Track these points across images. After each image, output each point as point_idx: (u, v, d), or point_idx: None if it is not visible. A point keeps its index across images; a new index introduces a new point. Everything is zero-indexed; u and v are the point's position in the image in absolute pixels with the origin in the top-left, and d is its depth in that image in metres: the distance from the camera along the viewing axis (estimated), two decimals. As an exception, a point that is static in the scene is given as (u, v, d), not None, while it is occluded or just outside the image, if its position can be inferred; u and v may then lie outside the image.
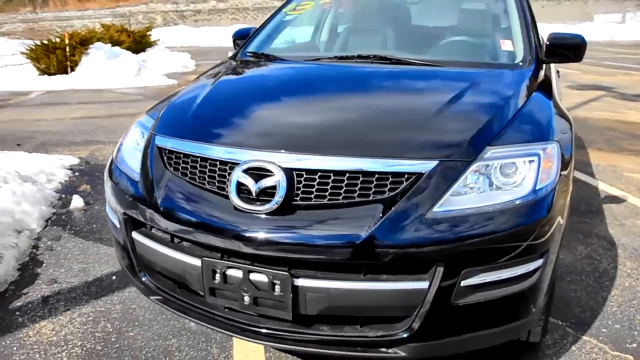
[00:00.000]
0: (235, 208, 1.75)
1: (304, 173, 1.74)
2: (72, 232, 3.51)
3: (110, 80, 10.75)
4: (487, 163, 1.79)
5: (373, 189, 1.71)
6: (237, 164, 1.79)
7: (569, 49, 2.72)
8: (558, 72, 4.23)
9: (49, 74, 11.42)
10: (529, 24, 2.81)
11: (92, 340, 2.37)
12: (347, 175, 1.72)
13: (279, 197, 1.70)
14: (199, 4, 31.58)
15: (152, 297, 2.07)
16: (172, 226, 1.86)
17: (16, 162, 4.47)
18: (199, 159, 1.91)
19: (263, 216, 1.71)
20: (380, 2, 3.42)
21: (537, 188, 1.78)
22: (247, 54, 3.03)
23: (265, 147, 1.82)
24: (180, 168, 1.95)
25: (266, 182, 1.73)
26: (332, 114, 2.11)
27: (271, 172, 1.73)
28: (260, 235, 1.69)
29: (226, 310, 1.86)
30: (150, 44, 16.15)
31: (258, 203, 1.72)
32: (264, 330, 1.80)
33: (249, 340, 1.86)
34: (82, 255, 3.19)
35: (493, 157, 1.80)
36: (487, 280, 1.70)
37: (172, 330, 2.45)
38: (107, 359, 2.25)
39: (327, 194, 1.72)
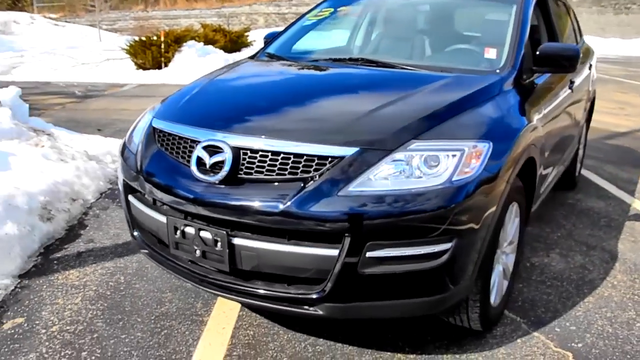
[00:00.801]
0: (194, 177, 2.14)
1: (248, 152, 2.10)
2: (119, 205, 4.09)
3: (198, 76, 11.61)
4: (409, 153, 2.04)
5: (301, 168, 2.03)
6: (199, 141, 2.20)
7: (560, 59, 2.86)
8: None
9: (144, 69, 12.54)
10: (524, 34, 2.95)
11: (104, 287, 2.87)
12: (282, 155, 2.06)
13: (225, 170, 2.08)
14: (300, 7, 32.58)
15: (142, 251, 2.52)
16: (149, 188, 2.29)
17: (89, 144, 5.18)
18: (177, 137, 2.33)
19: (213, 185, 2.09)
20: (387, 9, 3.70)
21: (453, 179, 2.01)
22: (265, 54, 3.42)
23: (221, 129, 2.21)
24: (164, 144, 2.39)
25: (217, 158, 2.11)
26: (284, 105, 2.47)
27: (222, 149, 2.12)
28: (209, 199, 2.08)
29: (189, 262, 2.26)
30: (246, 44, 17.08)
31: (211, 174, 2.11)
32: (213, 281, 2.18)
33: (205, 290, 2.25)
34: (121, 223, 3.74)
35: (417, 149, 2.06)
36: (392, 255, 1.95)
37: (171, 287, 2.90)
38: (112, 302, 2.74)
39: (264, 170, 2.07)
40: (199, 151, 2.17)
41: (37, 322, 2.54)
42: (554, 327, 2.66)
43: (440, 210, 1.97)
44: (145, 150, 2.42)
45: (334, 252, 1.96)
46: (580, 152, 4.81)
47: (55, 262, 3.15)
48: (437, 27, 3.39)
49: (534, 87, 2.91)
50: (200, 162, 2.16)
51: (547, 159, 3.06)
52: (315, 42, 3.45)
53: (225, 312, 2.68)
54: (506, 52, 2.86)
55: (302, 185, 1.99)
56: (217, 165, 2.12)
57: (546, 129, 2.97)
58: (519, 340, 2.54)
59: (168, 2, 34.42)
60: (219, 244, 2.09)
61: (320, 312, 2.05)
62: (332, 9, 3.60)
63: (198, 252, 2.16)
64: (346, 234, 1.94)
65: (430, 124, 2.18)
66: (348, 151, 2.03)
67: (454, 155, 2.06)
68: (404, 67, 2.85)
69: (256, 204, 2.01)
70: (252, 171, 2.09)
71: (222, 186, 2.08)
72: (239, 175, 2.09)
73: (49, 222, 3.47)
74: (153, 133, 2.48)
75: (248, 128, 2.21)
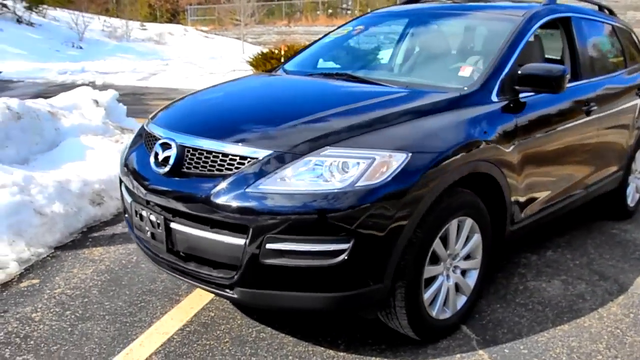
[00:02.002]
0: (151, 169, 2.51)
1: (190, 149, 2.42)
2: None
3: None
4: (322, 158, 2.22)
5: (225, 166, 2.31)
6: (159, 139, 2.56)
7: (543, 80, 2.82)
8: None
9: (261, 79, 13.43)
10: (510, 53, 2.95)
11: (116, 264, 3.36)
12: (213, 154, 2.35)
13: (169, 164, 2.42)
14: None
15: (131, 234, 2.95)
16: (124, 176, 2.71)
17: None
18: (150, 135, 2.73)
19: (161, 176, 2.44)
20: (392, 26, 3.82)
21: (357, 184, 2.16)
22: (284, 68, 3.72)
23: (175, 130, 2.56)
24: (145, 141, 2.79)
25: (166, 153, 2.46)
26: (233, 111, 2.77)
27: (171, 146, 2.47)
28: (157, 188, 2.43)
29: (147, 242, 2.63)
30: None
31: (162, 167, 2.46)
32: (162, 260, 2.52)
33: (159, 267, 2.61)
34: (161, 212, 4.27)
35: (330, 154, 2.23)
36: (290, 249, 2.15)
37: (169, 270, 3.31)
38: (114, 276, 3.21)
39: (200, 165, 2.37)
40: (156, 147, 2.54)
41: (47, 284, 3.09)
42: (504, 348, 2.62)
43: (337, 212, 2.13)
44: (134, 146, 2.85)
45: (242, 241, 2.20)
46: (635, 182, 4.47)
47: (90, 239, 3.73)
48: (434, 44, 3.45)
49: (516, 107, 2.88)
50: (156, 156, 2.53)
51: (532, 181, 2.99)
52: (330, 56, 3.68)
53: (202, 295, 3.01)
54: (482, 71, 2.88)
55: (222, 180, 2.27)
56: (167, 160, 2.47)
57: (530, 150, 2.92)
58: (457, 356, 2.55)
59: (310, 18, 35.92)
60: (160, 227, 2.43)
61: (235, 296, 2.31)
62: (351, 28, 3.80)
63: (149, 234, 2.53)
64: (249, 226, 2.18)
65: (352, 133, 2.34)
66: (263, 153, 2.27)
67: (363, 163, 2.21)
68: (377, 82, 3.00)
69: (186, 194, 2.33)
70: (192, 166, 2.40)
71: (168, 178, 2.43)
72: (182, 170, 2.42)
73: (98, 206, 4.08)
74: (142, 132, 2.91)
75: (194, 129, 2.53)
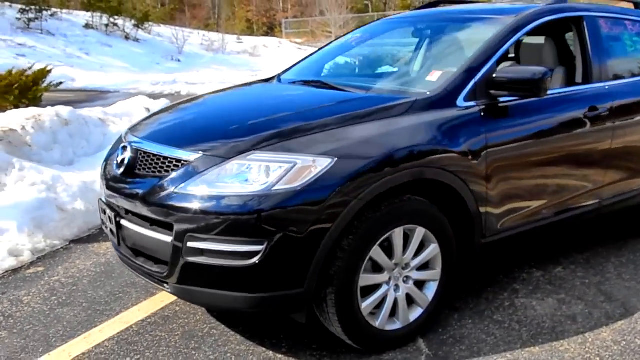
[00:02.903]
0: (114, 169, 2.69)
1: (142, 152, 2.58)
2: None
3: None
4: (247, 162, 2.27)
5: (165, 168, 2.43)
6: (123, 142, 2.75)
7: (522, 83, 2.68)
8: None
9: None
10: (487, 57, 2.83)
11: (115, 258, 3.56)
12: (157, 157, 2.49)
13: (124, 165, 2.59)
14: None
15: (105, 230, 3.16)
16: (100, 176, 2.92)
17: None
18: (120, 139, 2.92)
19: (119, 176, 2.61)
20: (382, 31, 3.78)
21: (274, 188, 2.19)
22: (278, 77, 3.79)
23: (135, 134, 2.73)
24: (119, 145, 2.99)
25: (124, 155, 2.64)
26: (190, 119, 2.90)
27: (127, 149, 2.63)
28: (113, 186, 2.61)
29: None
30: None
31: (119, 168, 2.63)
32: (120, 253, 2.69)
33: (123, 262, 2.78)
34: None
35: (255, 159, 2.28)
36: (210, 248, 2.21)
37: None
38: (109, 269, 3.45)
39: (147, 168, 2.52)
40: (119, 150, 2.73)
41: (50, 272, 3.39)
42: (456, 364, 2.50)
43: (251, 214, 2.17)
44: (111, 149, 3.06)
45: (169, 238, 2.30)
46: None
47: (104, 235, 4.02)
48: (420, 51, 3.37)
49: (491, 113, 2.74)
50: (118, 159, 2.71)
51: (510, 191, 2.83)
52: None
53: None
54: (450, 75, 2.77)
55: (159, 181, 2.39)
56: (124, 162, 2.63)
57: (507, 159, 2.77)
58: (401, 368, 2.47)
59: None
60: (113, 223, 2.60)
61: (170, 290, 2.42)
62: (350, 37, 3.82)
63: (109, 230, 2.71)
64: (174, 224, 2.27)
65: (283, 139, 2.36)
66: (193, 156, 2.37)
67: (283, 167, 2.23)
68: (342, 88, 3.01)
69: (132, 193, 2.48)
70: (142, 168, 2.56)
71: (122, 178, 2.60)
72: (135, 171, 2.57)
73: (122, 205, 4.39)
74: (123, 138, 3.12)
75: (150, 135, 2.69)
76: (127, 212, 2.54)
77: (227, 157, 2.31)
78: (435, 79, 2.82)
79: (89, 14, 20.62)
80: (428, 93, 2.71)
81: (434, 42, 3.44)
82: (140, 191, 2.44)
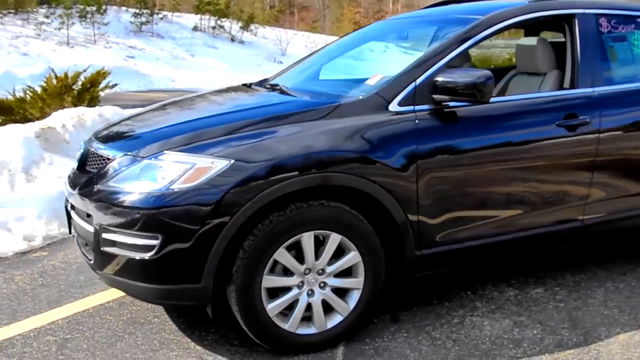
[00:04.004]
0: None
1: (90, 151, 2.85)
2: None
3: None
4: (158, 162, 2.45)
5: (99, 165, 2.68)
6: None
7: (463, 88, 2.59)
8: None
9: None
10: (432, 60, 2.76)
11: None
12: (96, 155, 2.76)
13: (76, 163, 2.87)
14: None
15: None
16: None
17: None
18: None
19: (74, 172, 2.90)
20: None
21: (171, 187, 2.35)
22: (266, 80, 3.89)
23: (94, 136, 3.00)
24: None
25: (79, 153, 2.93)
26: (144, 120, 3.07)
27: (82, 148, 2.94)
28: (70, 181, 2.88)
29: None
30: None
31: (76, 164, 2.93)
32: (77, 243, 2.98)
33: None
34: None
35: (163, 159, 2.44)
36: (118, 240, 2.43)
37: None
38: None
39: (91, 165, 2.78)
40: (81, 149, 3.02)
41: (50, 257, 3.80)
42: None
43: (149, 210, 2.35)
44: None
45: (92, 228, 2.54)
46: None
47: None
48: (389, 55, 3.30)
49: (434, 118, 2.68)
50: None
51: (449, 201, 2.73)
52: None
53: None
54: (388, 79, 2.73)
55: (94, 176, 2.63)
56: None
57: (446, 169, 2.70)
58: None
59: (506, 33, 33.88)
60: (67, 214, 2.90)
61: (99, 278, 2.65)
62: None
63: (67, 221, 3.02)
64: (93, 216, 2.52)
65: (193, 140, 2.49)
66: (118, 155, 2.59)
67: (183, 167, 2.38)
68: (289, 92, 3.10)
69: (74, 186, 2.75)
70: (89, 165, 2.82)
71: (78, 174, 2.87)
72: (85, 168, 2.84)
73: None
74: None
75: (100, 136, 2.96)
76: (72, 206, 2.82)
77: (142, 157, 2.50)
78: (374, 82, 2.79)
79: (198, 16, 22.01)
80: (361, 97, 2.70)
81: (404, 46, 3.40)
82: (79, 184, 2.71)
